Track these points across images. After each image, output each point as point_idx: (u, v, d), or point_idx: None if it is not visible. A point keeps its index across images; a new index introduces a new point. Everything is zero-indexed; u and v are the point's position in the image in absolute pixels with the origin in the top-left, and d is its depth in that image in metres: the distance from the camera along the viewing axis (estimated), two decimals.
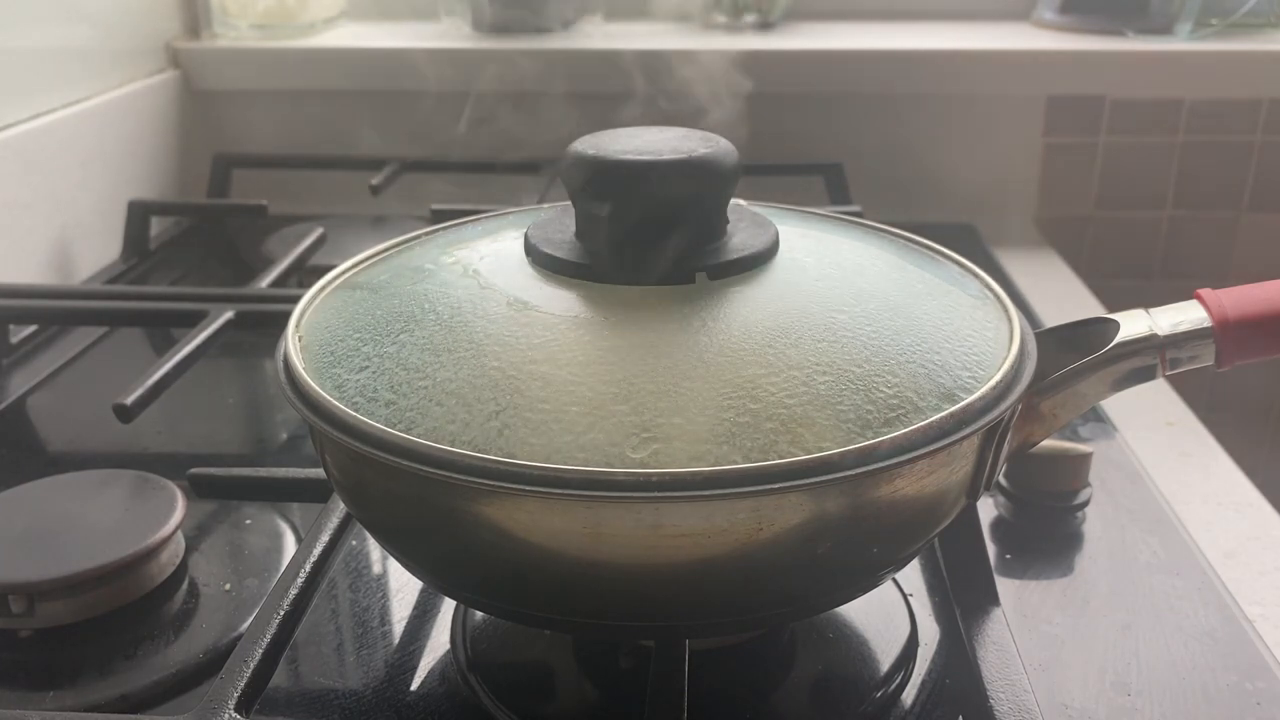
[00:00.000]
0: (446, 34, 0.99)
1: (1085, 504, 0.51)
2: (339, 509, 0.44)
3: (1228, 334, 0.39)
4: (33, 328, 0.70)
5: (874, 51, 0.92)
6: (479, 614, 0.44)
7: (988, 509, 0.51)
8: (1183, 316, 0.39)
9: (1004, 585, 0.45)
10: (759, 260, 0.38)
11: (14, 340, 0.69)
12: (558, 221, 0.41)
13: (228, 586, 0.46)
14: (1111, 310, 0.43)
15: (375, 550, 0.49)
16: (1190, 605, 0.45)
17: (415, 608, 0.45)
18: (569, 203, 0.41)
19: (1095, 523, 0.50)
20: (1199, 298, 0.40)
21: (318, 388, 0.35)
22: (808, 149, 0.93)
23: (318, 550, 0.42)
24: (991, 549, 0.48)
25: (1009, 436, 0.37)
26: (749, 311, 0.36)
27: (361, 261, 0.44)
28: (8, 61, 0.75)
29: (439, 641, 0.43)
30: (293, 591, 0.40)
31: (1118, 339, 0.39)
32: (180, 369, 0.55)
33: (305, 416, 0.35)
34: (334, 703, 0.40)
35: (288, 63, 0.96)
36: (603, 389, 0.33)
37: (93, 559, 0.43)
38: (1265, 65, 0.91)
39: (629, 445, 0.31)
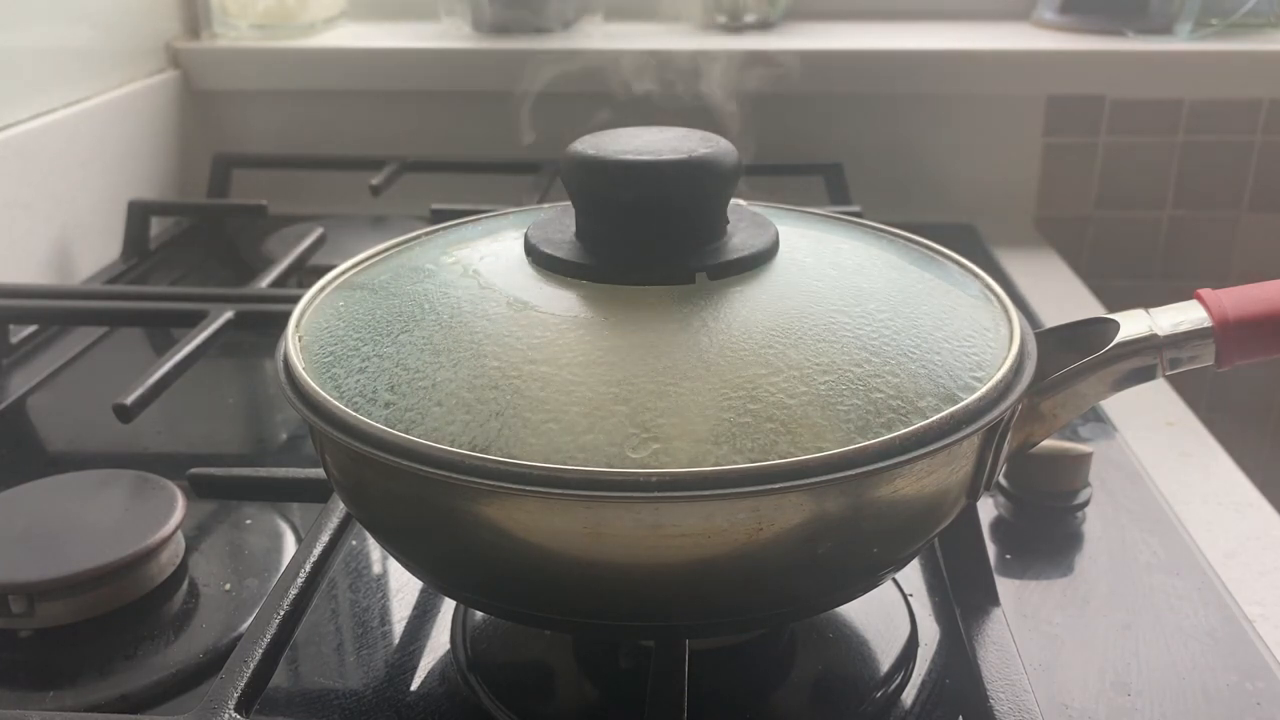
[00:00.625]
0: (446, 34, 0.99)
1: (1085, 504, 0.51)
2: (339, 509, 0.44)
3: (1228, 334, 0.39)
4: (33, 328, 0.70)
5: (874, 51, 0.92)
6: (479, 614, 0.44)
7: (988, 509, 0.51)
8: (1183, 316, 0.39)
9: (1004, 585, 0.45)
10: (759, 260, 0.38)
11: (14, 340, 0.69)
12: (558, 221, 0.41)
13: (228, 586, 0.46)
14: (1111, 310, 0.43)
15: (375, 550, 0.49)
16: (1190, 605, 0.45)
17: (415, 608, 0.45)
18: (569, 203, 0.41)
19: (1095, 523, 0.50)
20: (1199, 298, 0.40)
21: (318, 388, 0.35)
22: (808, 149, 0.93)
23: (318, 550, 0.42)
24: (991, 549, 0.48)
25: (1009, 436, 0.37)
26: (749, 311, 0.36)
27: (361, 261, 0.44)
28: (8, 61, 0.75)
29: (439, 641, 0.43)
30: (293, 591, 0.40)
31: (1118, 339, 0.39)
32: (180, 369, 0.55)
33: (305, 416, 0.35)
34: (334, 703, 0.40)
35: (288, 63, 0.96)
36: (603, 389, 0.33)
37: (93, 559, 0.43)
38: (1265, 65, 0.91)
39: (629, 445, 0.31)
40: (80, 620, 0.43)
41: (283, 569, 0.43)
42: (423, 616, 0.45)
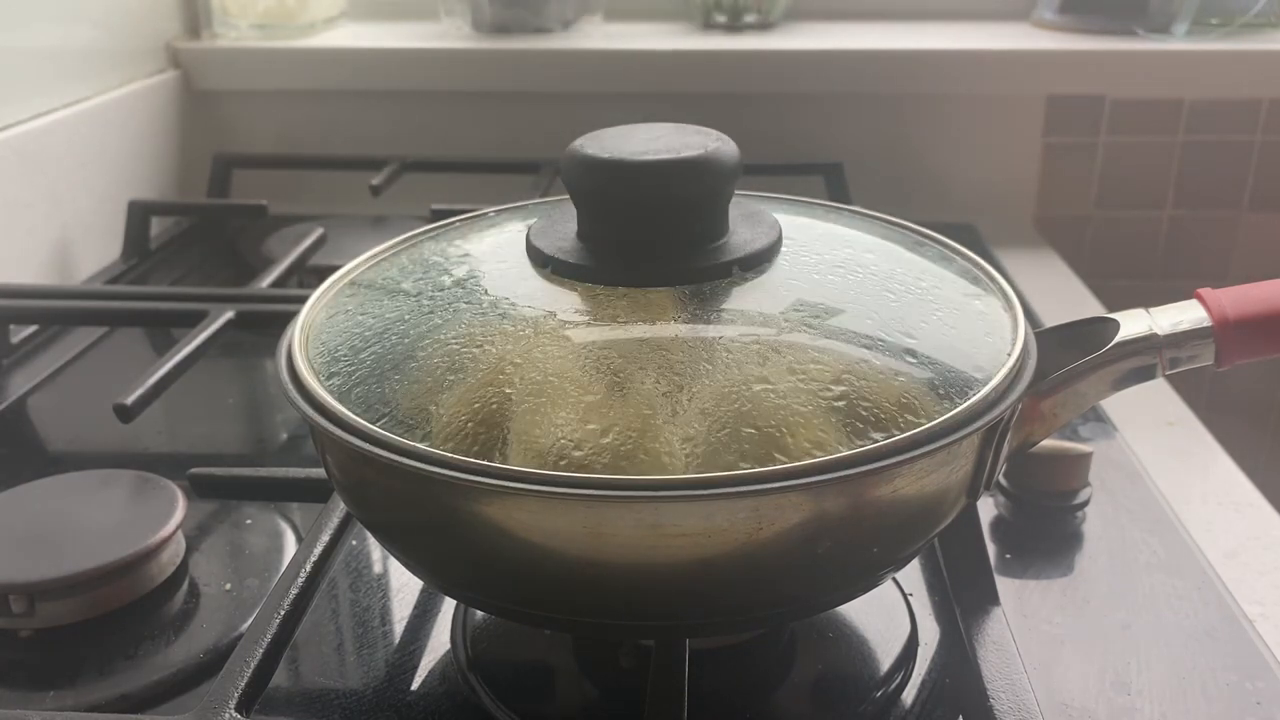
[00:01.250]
0: (446, 34, 0.99)
1: (1085, 504, 0.51)
2: (339, 509, 0.44)
3: (1227, 334, 0.39)
4: (33, 328, 0.70)
5: (874, 51, 0.92)
6: (479, 614, 0.44)
7: (988, 509, 0.51)
8: (1182, 316, 0.39)
9: (1004, 585, 0.45)
10: (760, 259, 0.38)
11: (14, 340, 0.69)
12: (559, 220, 0.41)
13: (228, 586, 0.46)
14: (1111, 310, 0.43)
15: (375, 550, 0.49)
16: (1190, 605, 0.45)
17: (415, 607, 0.45)
18: (569, 196, 0.40)
19: (1095, 522, 0.50)
20: (1199, 297, 0.40)
21: (318, 387, 0.35)
22: (808, 149, 0.93)
23: (318, 550, 0.42)
24: (991, 549, 0.48)
25: (1009, 436, 0.37)
26: (750, 311, 0.36)
27: (363, 262, 0.44)
28: (8, 61, 0.75)
29: (439, 641, 0.43)
30: (293, 591, 0.40)
31: (1117, 338, 0.39)
32: (180, 369, 0.55)
33: (306, 416, 0.35)
34: (334, 702, 0.40)
35: (288, 63, 0.96)
36: (603, 389, 0.33)
37: (93, 559, 0.43)
38: (1265, 65, 0.91)
39: (629, 445, 0.31)
40: (81, 620, 0.43)
41: (283, 569, 0.43)
42: (423, 616, 0.45)
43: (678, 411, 0.32)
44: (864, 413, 0.33)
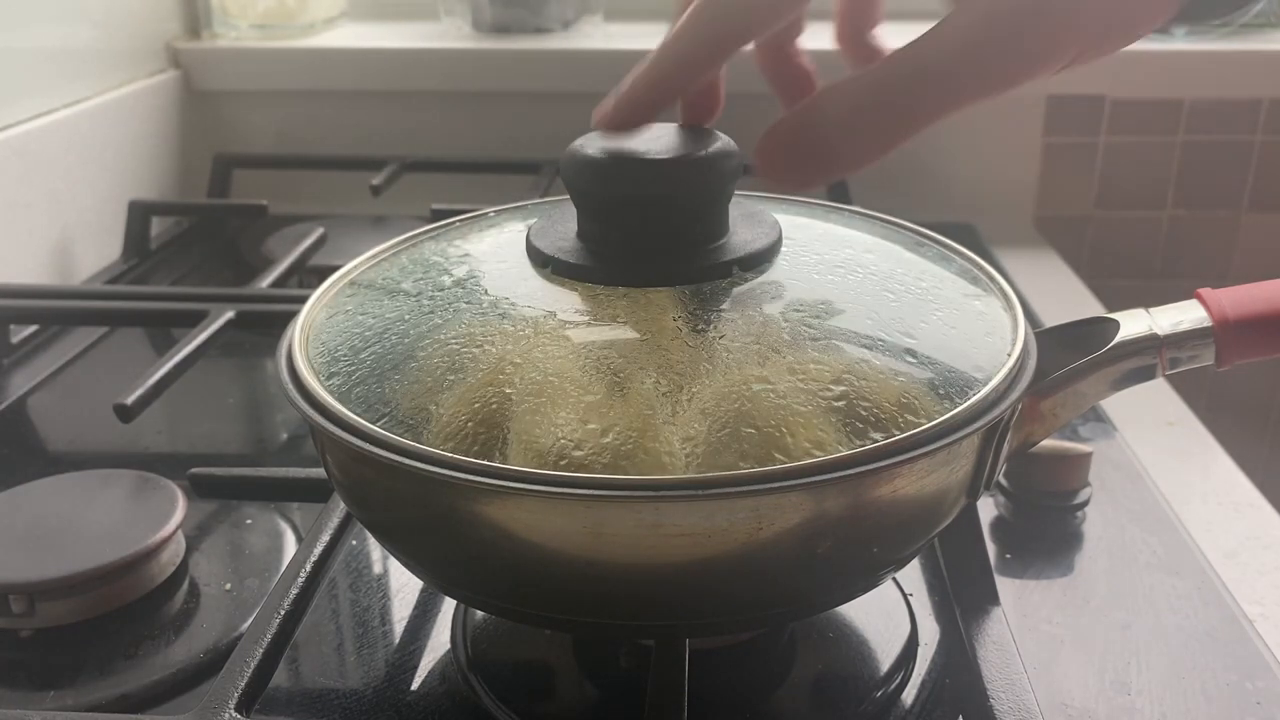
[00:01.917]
0: (446, 34, 0.99)
1: (1085, 504, 0.51)
2: (339, 509, 0.44)
3: (1228, 334, 0.39)
4: (33, 328, 0.70)
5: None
6: (479, 614, 0.44)
7: (988, 509, 0.51)
8: (1183, 316, 0.39)
9: (1004, 585, 0.45)
10: (760, 259, 0.38)
11: (14, 340, 0.69)
12: (558, 220, 0.41)
13: (228, 586, 0.46)
14: (1111, 310, 0.43)
15: (376, 550, 0.49)
16: (1190, 605, 0.45)
17: (415, 607, 0.45)
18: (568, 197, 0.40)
19: (1095, 522, 0.51)
20: (1199, 297, 0.40)
21: (319, 387, 0.35)
22: None
23: (318, 550, 0.42)
24: (991, 549, 0.48)
25: (1009, 436, 0.37)
26: (750, 311, 0.36)
27: (363, 262, 0.44)
28: (8, 61, 0.75)
29: (439, 641, 0.43)
30: (293, 591, 0.40)
31: (1118, 338, 0.39)
32: (181, 369, 0.55)
33: (306, 416, 0.35)
34: (334, 702, 0.40)
35: (288, 63, 0.96)
36: (604, 389, 0.33)
37: (93, 559, 0.43)
38: (1265, 65, 0.91)
39: (630, 445, 0.31)
40: (81, 620, 0.43)
41: (283, 569, 0.43)
42: (423, 616, 0.45)
43: (678, 411, 0.32)
44: (864, 413, 0.33)
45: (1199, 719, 0.39)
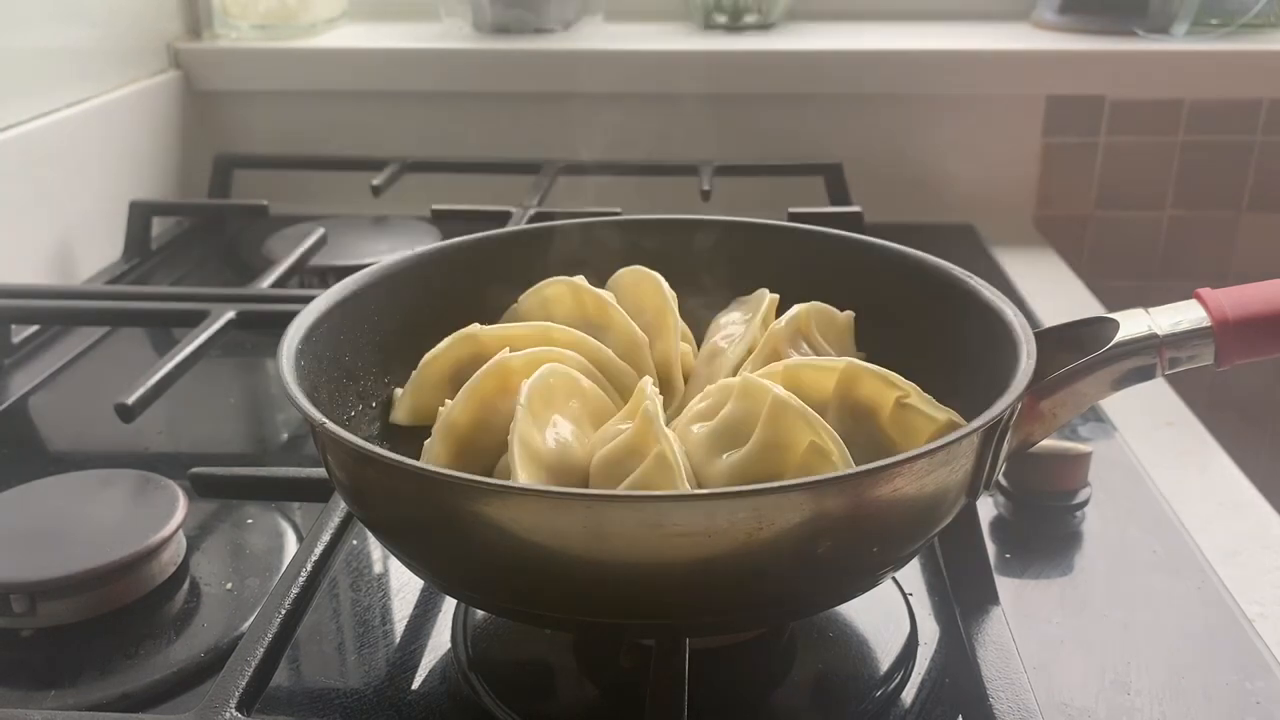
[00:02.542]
0: (446, 34, 0.99)
1: (1085, 504, 0.51)
2: (340, 508, 0.44)
3: (1227, 333, 0.39)
4: (34, 328, 0.70)
5: (874, 51, 0.92)
6: (479, 613, 0.44)
7: (988, 509, 0.51)
8: (1182, 316, 0.39)
9: (1004, 585, 0.45)
10: None
11: (16, 340, 0.69)
12: None
13: (229, 586, 0.46)
14: (1111, 310, 0.43)
15: (376, 550, 0.49)
16: (1190, 605, 0.45)
17: (416, 607, 0.45)
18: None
19: (1095, 522, 0.51)
20: (1198, 297, 0.40)
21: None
22: (808, 149, 0.93)
23: (319, 550, 0.42)
24: (991, 549, 0.48)
25: (1009, 436, 0.37)
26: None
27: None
28: (9, 61, 0.75)
29: (440, 641, 0.43)
30: (294, 591, 0.40)
31: (1117, 338, 0.39)
32: (182, 369, 0.55)
33: (307, 416, 0.35)
34: (335, 701, 0.40)
35: (289, 63, 0.96)
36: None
37: (94, 558, 0.43)
38: (1265, 65, 0.91)
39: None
40: (82, 619, 0.43)
41: (284, 568, 0.43)
42: (423, 616, 0.45)
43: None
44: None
45: (1199, 719, 0.39)
